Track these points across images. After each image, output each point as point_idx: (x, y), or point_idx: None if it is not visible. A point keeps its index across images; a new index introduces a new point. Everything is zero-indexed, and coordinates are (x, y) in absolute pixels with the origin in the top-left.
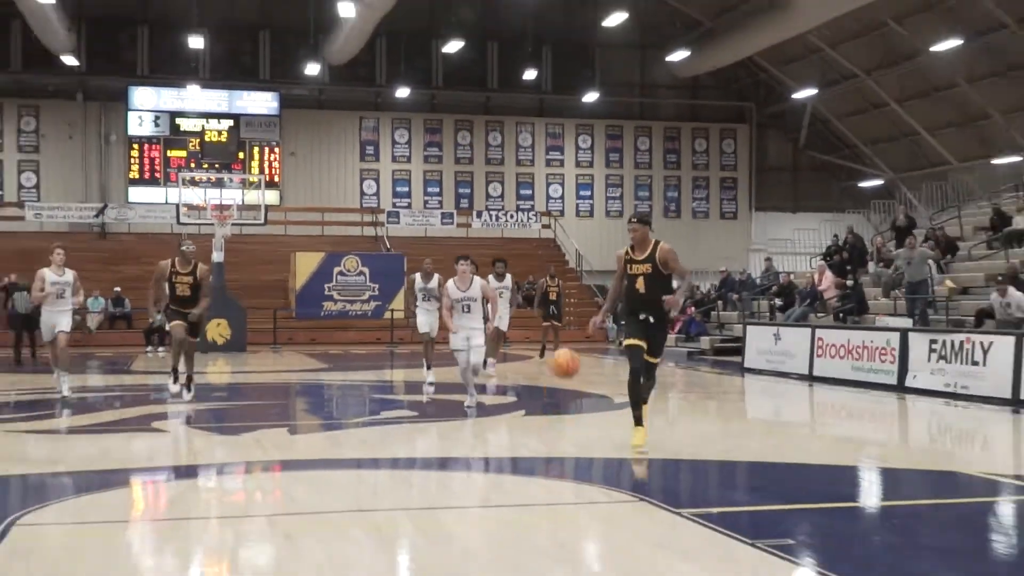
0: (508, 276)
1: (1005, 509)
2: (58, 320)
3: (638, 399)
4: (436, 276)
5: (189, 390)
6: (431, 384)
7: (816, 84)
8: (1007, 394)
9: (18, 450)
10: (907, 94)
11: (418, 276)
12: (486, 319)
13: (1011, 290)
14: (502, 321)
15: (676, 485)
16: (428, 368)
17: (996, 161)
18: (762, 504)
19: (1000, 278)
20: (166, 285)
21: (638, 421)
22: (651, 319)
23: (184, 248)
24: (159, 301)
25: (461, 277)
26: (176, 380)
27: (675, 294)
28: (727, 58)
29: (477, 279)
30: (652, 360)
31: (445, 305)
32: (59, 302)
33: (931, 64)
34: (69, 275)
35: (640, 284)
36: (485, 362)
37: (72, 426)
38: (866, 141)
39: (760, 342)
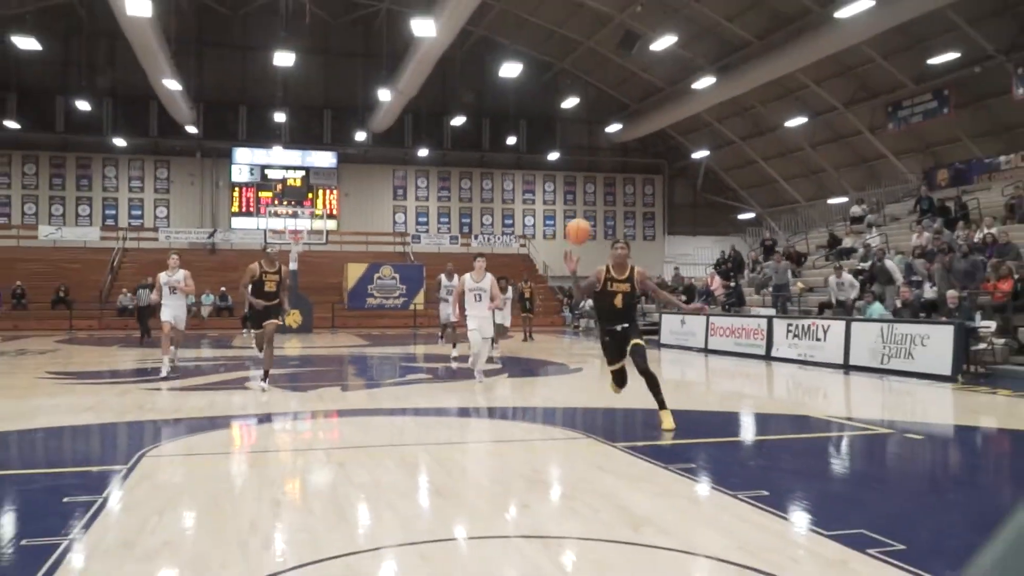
0: (509, 288)
1: (840, 440)
2: (169, 309)
3: (653, 389)
4: (456, 275)
5: (265, 380)
6: (455, 358)
7: (709, 147)
8: (840, 361)
9: (148, 401)
10: (769, 154)
11: (443, 276)
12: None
13: (844, 273)
14: (505, 319)
15: (613, 427)
16: (454, 346)
17: (830, 201)
18: (674, 440)
19: (837, 265)
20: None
21: (661, 405)
22: (626, 326)
23: (268, 251)
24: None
25: (477, 271)
26: (266, 377)
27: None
28: (648, 129)
29: (489, 274)
30: (637, 342)
31: (456, 291)
32: (172, 296)
33: (786, 134)
34: (179, 274)
35: (618, 300)
36: (494, 346)
37: (187, 385)
38: (743, 186)
39: (671, 326)
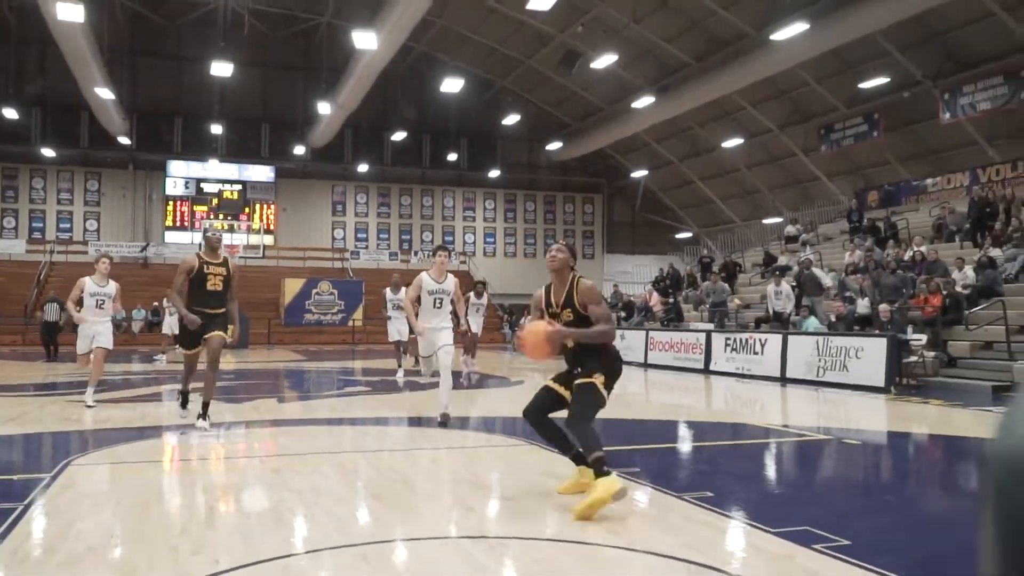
0: (485, 295)
1: (780, 446)
2: (98, 333)
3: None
4: (403, 288)
5: (207, 417)
6: (401, 376)
7: (647, 167)
8: (777, 374)
9: (75, 414)
10: (707, 175)
11: (388, 290)
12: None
13: (783, 282)
14: (478, 326)
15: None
16: (399, 366)
17: (766, 221)
18: (617, 446)
19: (777, 272)
20: (190, 282)
21: (580, 461)
22: (580, 370)
23: (210, 234)
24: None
25: (438, 268)
26: (205, 415)
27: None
28: (588, 148)
29: (451, 275)
30: (583, 382)
31: (410, 297)
32: (100, 313)
33: (722, 155)
34: (112, 287)
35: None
36: (472, 359)
37: (115, 398)
38: (681, 206)
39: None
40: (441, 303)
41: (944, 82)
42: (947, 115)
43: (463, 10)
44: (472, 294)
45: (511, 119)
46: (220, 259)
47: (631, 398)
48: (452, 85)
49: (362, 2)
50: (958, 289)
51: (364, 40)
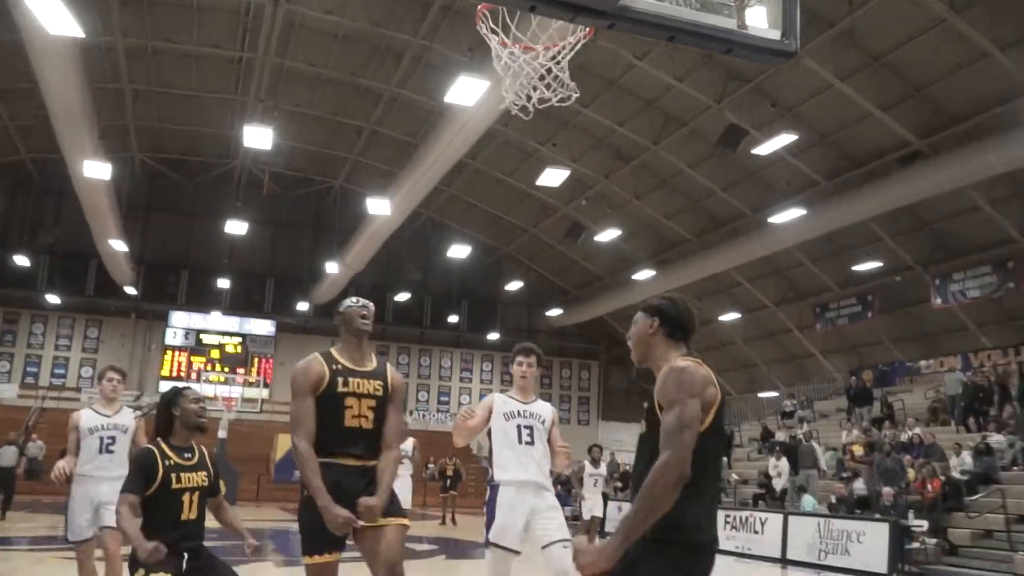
0: (603, 463)
1: None
2: (104, 497)
3: None
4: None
5: None
6: None
7: None
8: (778, 555)
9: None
10: (703, 347)
11: (587, 462)
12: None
13: (783, 458)
14: (597, 506)
15: None
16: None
17: (761, 394)
18: None
19: (777, 448)
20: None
21: None
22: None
23: (352, 306)
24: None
25: (520, 382)
26: None
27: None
28: (587, 316)
29: (547, 404)
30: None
31: (472, 424)
32: (107, 461)
33: (719, 329)
34: (127, 416)
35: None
36: None
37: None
38: None
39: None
40: (532, 436)
41: (935, 268)
42: (938, 300)
43: (472, 180)
44: (588, 462)
45: (513, 284)
46: (371, 364)
47: None
48: (458, 251)
49: (374, 169)
50: (955, 475)
51: (377, 207)
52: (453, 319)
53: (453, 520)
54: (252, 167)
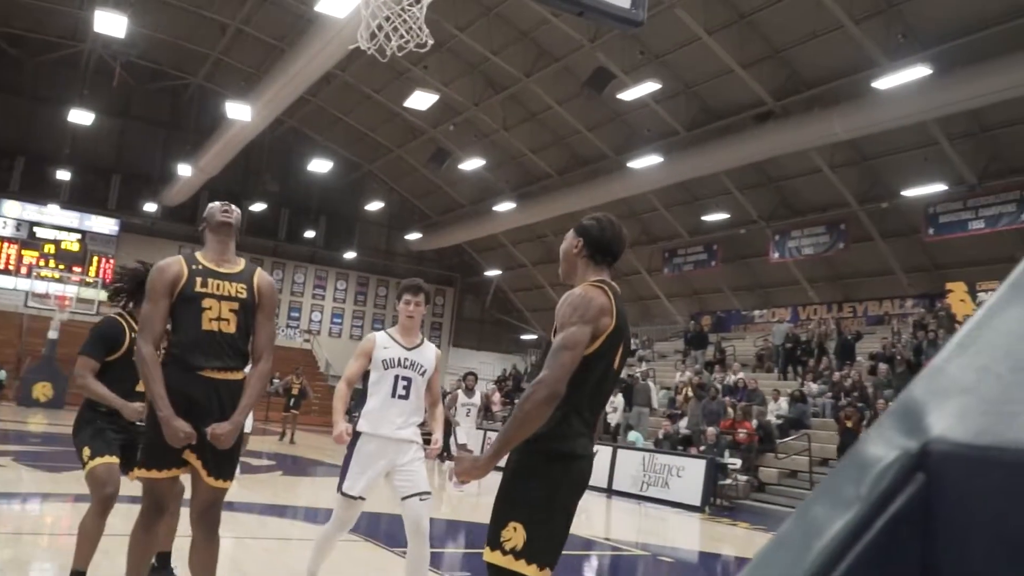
0: (477, 392)
1: (596, 560)
2: None
3: None
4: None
5: None
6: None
7: (501, 267)
8: (605, 485)
9: None
10: (557, 282)
11: (460, 391)
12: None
13: (618, 395)
14: (470, 437)
15: (395, 532)
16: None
17: None
18: (452, 548)
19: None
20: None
21: None
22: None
23: (217, 210)
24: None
25: (405, 323)
26: None
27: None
28: (446, 242)
29: (430, 344)
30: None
31: (349, 374)
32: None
33: None
34: None
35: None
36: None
37: None
38: (529, 309)
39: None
40: (408, 390)
41: (776, 224)
42: (776, 255)
43: (339, 92)
44: (461, 391)
45: (374, 204)
46: (235, 267)
47: (466, 501)
48: (320, 165)
49: (237, 70)
50: (770, 419)
51: (238, 112)
52: (310, 234)
53: (292, 438)
54: (103, 53)
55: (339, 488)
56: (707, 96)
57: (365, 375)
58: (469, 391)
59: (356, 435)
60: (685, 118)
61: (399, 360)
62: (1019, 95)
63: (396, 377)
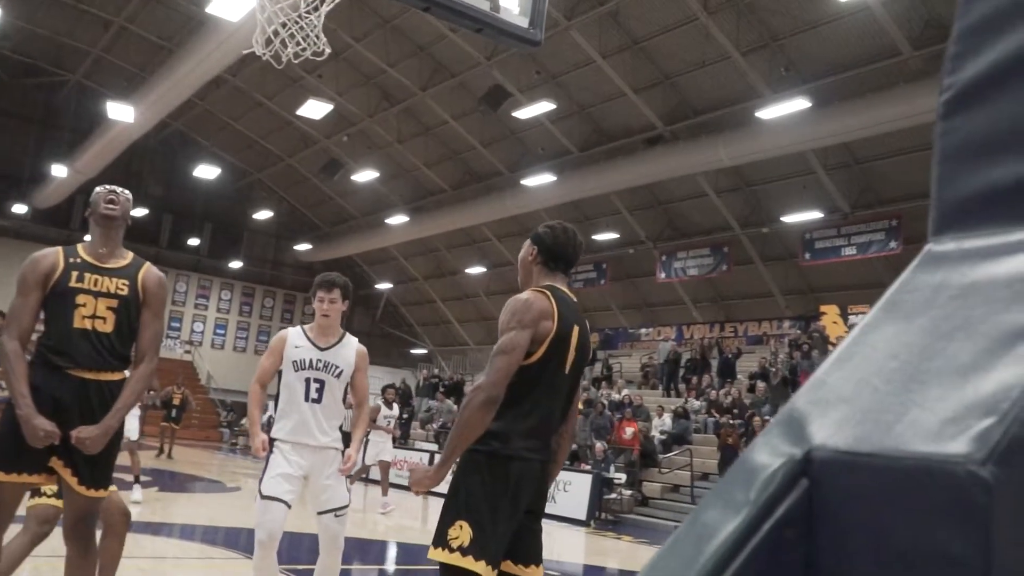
0: (395, 405)
1: None
2: None
3: None
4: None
5: None
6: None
7: (392, 280)
8: None
9: None
10: (448, 296)
11: (380, 402)
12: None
13: None
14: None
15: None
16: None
17: None
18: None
19: None
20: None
21: None
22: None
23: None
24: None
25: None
26: None
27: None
28: (337, 254)
29: (353, 339)
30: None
31: (261, 374)
32: None
33: (465, 280)
34: None
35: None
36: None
37: None
38: (419, 323)
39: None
40: (321, 393)
41: (663, 245)
42: (663, 275)
43: (229, 98)
44: (381, 403)
45: (262, 213)
46: (120, 260)
47: (354, 515)
48: (207, 172)
49: (120, 69)
50: (653, 434)
51: (119, 112)
52: (194, 242)
53: (170, 453)
54: None
55: (259, 491)
56: (600, 118)
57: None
58: (389, 404)
59: (271, 442)
60: (578, 138)
61: (310, 362)
62: (887, 131)
63: (307, 380)
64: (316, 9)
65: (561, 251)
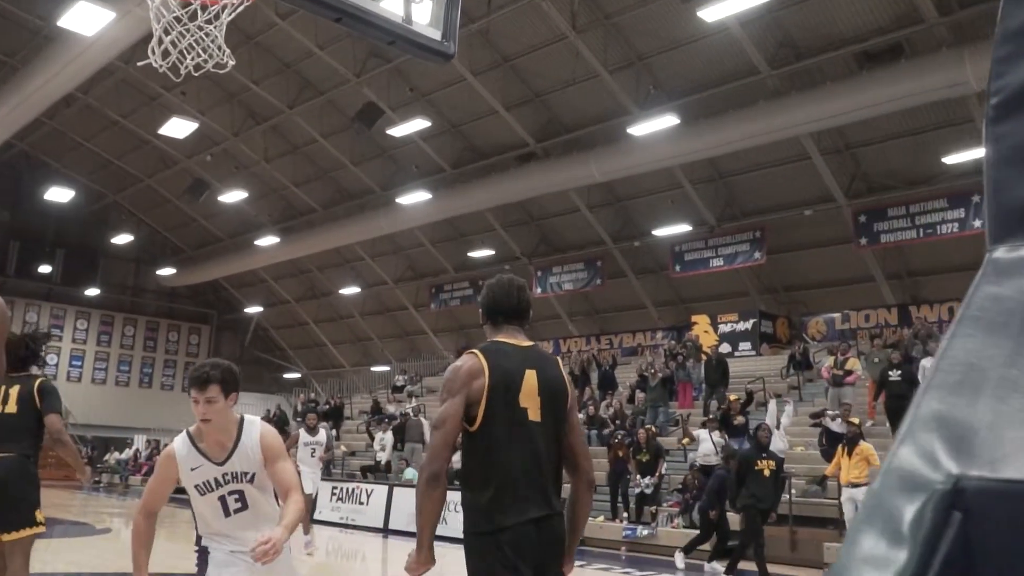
0: (322, 430)
1: None
2: None
3: None
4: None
5: None
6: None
7: (262, 303)
8: (381, 525)
9: None
10: (321, 318)
11: (302, 429)
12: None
13: (389, 431)
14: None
15: None
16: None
17: (374, 368)
18: None
19: (386, 420)
20: None
21: None
22: None
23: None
24: None
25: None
26: None
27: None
28: (202, 278)
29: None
30: None
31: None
32: None
33: (338, 301)
34: None
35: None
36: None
37: None
38: (292, 346)
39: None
40: (243, 500)
41: (538, 261)
42: (539, 290)
43: (81, 117)
44: (303, 429)
45: (121, 237)
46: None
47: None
48: (59, 194)
49: None
50: None
51: None
52: (45, 269)
53: None
54: None
55: None
56: (473, 135)
57: None
58: (311, 430)
59: (203, 550)
60: (451, 156)
61: (215, 481)
62: (749, 146)
63: (221, 498)
64: (216, 18)
65: (496, 305)
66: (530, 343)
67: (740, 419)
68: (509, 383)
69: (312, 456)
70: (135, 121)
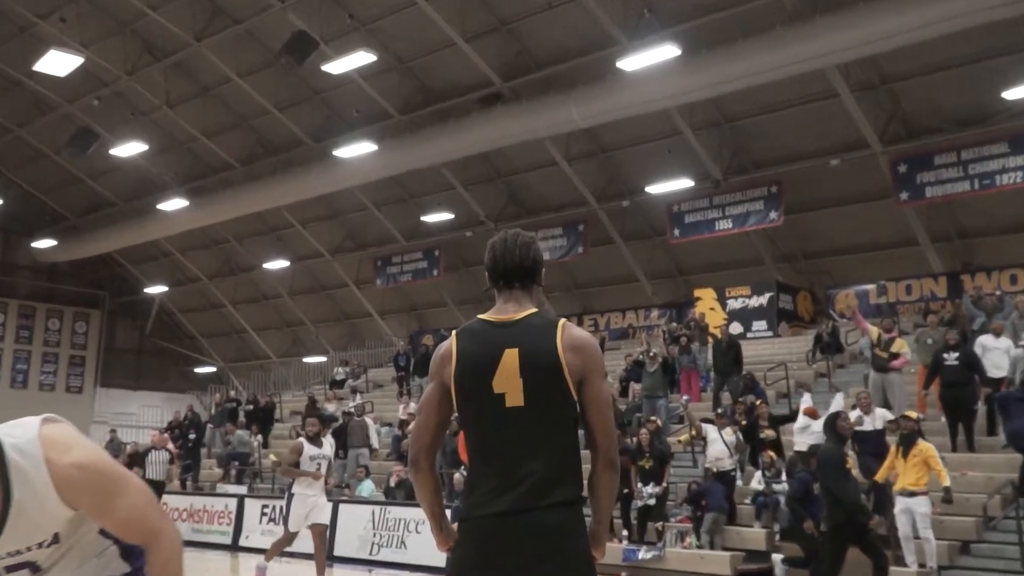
0: (326, 440)
1: None
2: None
3: None
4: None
5: None
6: None
7: (166, 282)
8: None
9: None
10: (240, 299)
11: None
12: None
13: (328, 435)
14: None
15: None
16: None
17: (307, 359)
18: None
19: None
20: None
21: None
22: None
23: None
24: None
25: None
26: None
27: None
28: (91, 251)
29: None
30: None
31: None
32: None
33: (262, 277)
34: None
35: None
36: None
37: None
38: (205, 334)
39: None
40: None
41: (506, 225)
42: None
43: None
44: (305, 440)
45: None
46: None
47: None
48: None
49: None
50: None
51: None
52: None
53: None
54: None
55: None
56: (425, 73)
57: None
58: (314, 440)
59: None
60: (399, 99)
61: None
62: (763, 82)
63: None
64: None
65: (494, 266)
66: (526, 312)
67: (770, 433)
68: (477, 368)
69: (318, 471)
70: (1, 57)
